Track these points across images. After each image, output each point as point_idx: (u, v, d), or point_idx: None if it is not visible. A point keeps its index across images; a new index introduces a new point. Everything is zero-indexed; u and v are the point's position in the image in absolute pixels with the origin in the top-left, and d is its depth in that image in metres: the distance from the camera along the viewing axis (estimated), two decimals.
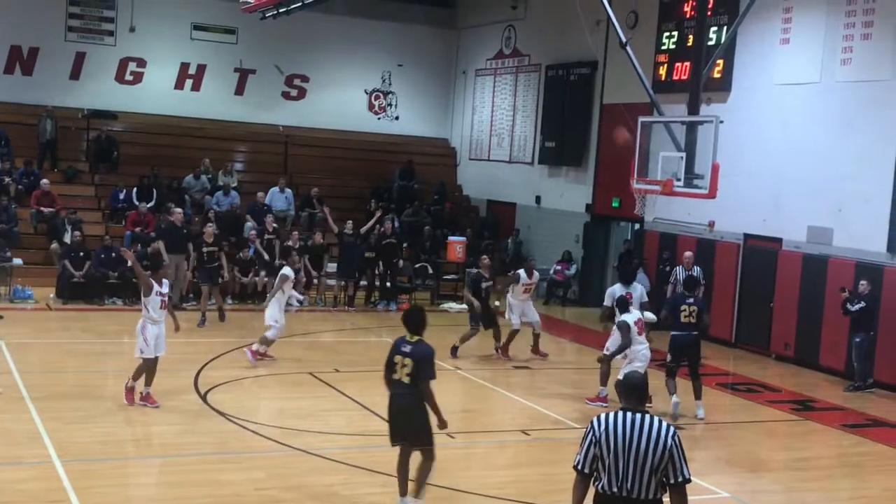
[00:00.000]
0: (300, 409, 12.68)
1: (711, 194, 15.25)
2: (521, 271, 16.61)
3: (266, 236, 20.93)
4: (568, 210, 24.27)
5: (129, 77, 26.44)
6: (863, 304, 15.68)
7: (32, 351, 15.54)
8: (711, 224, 19.74)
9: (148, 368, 12.12)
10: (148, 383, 12.16)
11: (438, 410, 8.72)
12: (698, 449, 12.20)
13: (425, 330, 8.85)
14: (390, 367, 8.79)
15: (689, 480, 6.06)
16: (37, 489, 9.16)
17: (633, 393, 6.17)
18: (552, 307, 22.68)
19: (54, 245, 20.87)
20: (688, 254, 18.32)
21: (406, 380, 8.64)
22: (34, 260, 20.95)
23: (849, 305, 15.76)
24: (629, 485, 5.95)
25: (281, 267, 16.23)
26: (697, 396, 13.59)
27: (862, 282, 15.85)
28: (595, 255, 23.49)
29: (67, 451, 10.18)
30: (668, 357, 13.57)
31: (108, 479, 9.53)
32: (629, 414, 6.05)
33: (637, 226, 22.04)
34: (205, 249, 18.61)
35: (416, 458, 8.86)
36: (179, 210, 19.97)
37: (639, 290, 14.71)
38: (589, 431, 6.07)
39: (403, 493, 8.87)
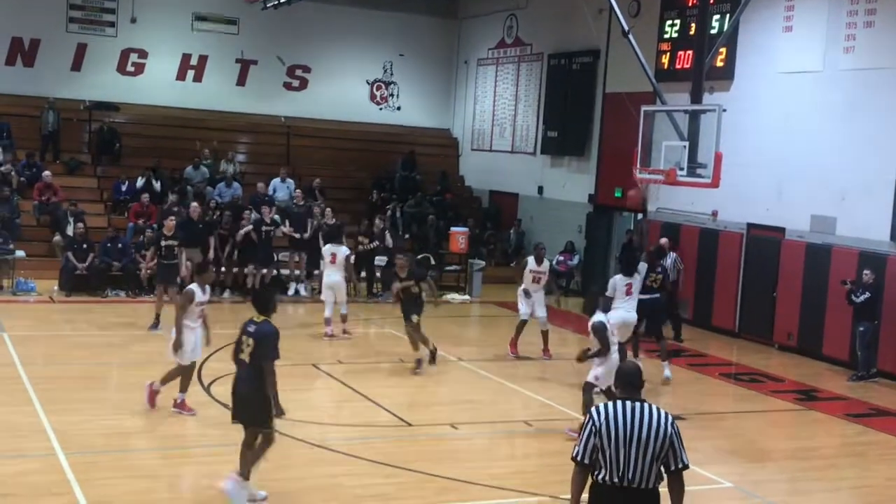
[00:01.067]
0: (303, 401, 12.67)
1: (714, 183, 15.27)
2: (530, 258, 16.28)
3: (264, 228, 20.74)
4: (570, 200, 24.24)
5: (130, 68, 26.41)
6: (868, 294, 15.64)
7: (36, 343, 15.56)
8: (714, 213, 19.72)
9: (183, 374, 11.68)
10: (183, 389, 11.70)
11: (275, 394, 8.68)
12: (701, 439, 12.18)
13: (273, 310, 8.90)
14: (238, 347, 8.81)
15: (687, 467, 6.11)
16: (40, 482, 9.18)
17: (630, 382, 6.18)
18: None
19: (57, 237, 20.88)
20: (663, 240, 18.50)
21: (247, 359, 8.66)
22: (37, 252, 20.95)
23: (853, 297, 15.73)
24: (630, 474, 5.96)
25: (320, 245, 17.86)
26: (663, 358, 14.62)
27: (866, 271, 15.81)
28: (598, 246, 23.46)
29: (71, 444, 10.19)
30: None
31: (112, 472, 9.55)
32: (628, 403, 6.06)
33: (640, 216, 22.01)
34: (163, 243, 16.88)
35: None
36: (196, 204, 19.85)
37: (638, 280, 14.72)
38: (588, 422, 6.07)
39: (244, 475, 8.85)
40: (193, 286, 11.59)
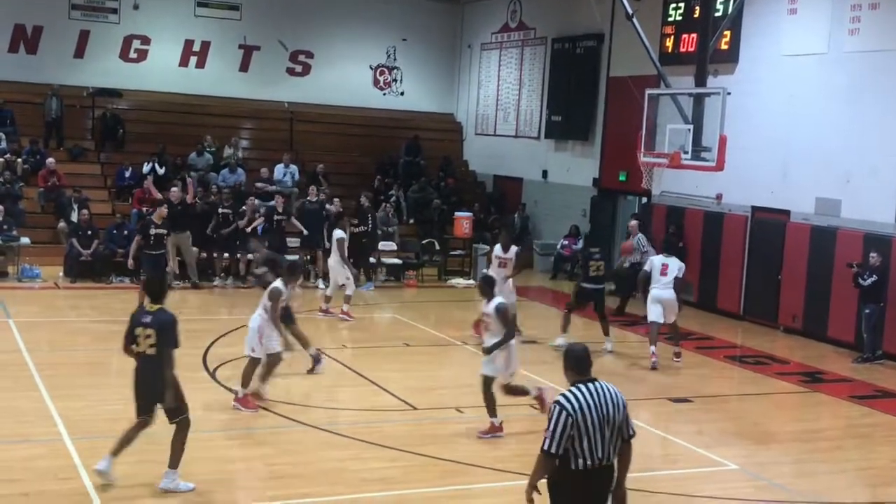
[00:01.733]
0: (308, 385, 12.71)
1: (719, 167, 15.29)
2: (498, 245, 16.07)
3: (276, 217, 20.67)
4: (575, 184, 24.21)
5: (133, 55, 26.37)
6: (875, 277, 15.59)
7: (41, 329, 15.60)
8: (719, 197, 19.67)
9: (252, 368, 11.42)
10: (261, 380, 11.53)
11: (172, 382, 8.56)
12: (706, 421, 12.22)
13: (166, 297, 8.78)
14: (131, 338, 8.64)
15: (635, 434, 6.31)
16: (47, 467, 9.21)
17: (583, 364, 6.28)
18: (559, 281, 22.71)
19: (61, 224, 20.90)
20: (632, 223, 18.96)
21: (150, 351, 8.50)
22: (42, 239, 20.98)
23: (861, 279, 15.69)
24: (604, 453, 6.08)
25: (332, 229, 17.88)
26: (606, 333, 15.56)
27: (872, 254, 15.76)
28: (602, 230, 23.41)
29: (77, 429, 10.22)
30: (573, 300, 15.82)
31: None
32: (590, 385, 6.15)
33: (644, 199, 21.98)
34: (152, 232, 16.31)
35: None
36: (176, 188, 19.70)
37: (676, 262, 14.85)
38: (560, 413, 6.03)
39: (116, 452, 8.76)
40: (279, 284, 11.55)
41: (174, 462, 8.73)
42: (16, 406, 11.11)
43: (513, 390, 11.16)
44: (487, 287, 11.07)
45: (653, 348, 14.55)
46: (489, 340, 10.85)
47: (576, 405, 6.01)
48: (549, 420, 6.07)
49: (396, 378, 13.20)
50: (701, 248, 19.83)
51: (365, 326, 17.20)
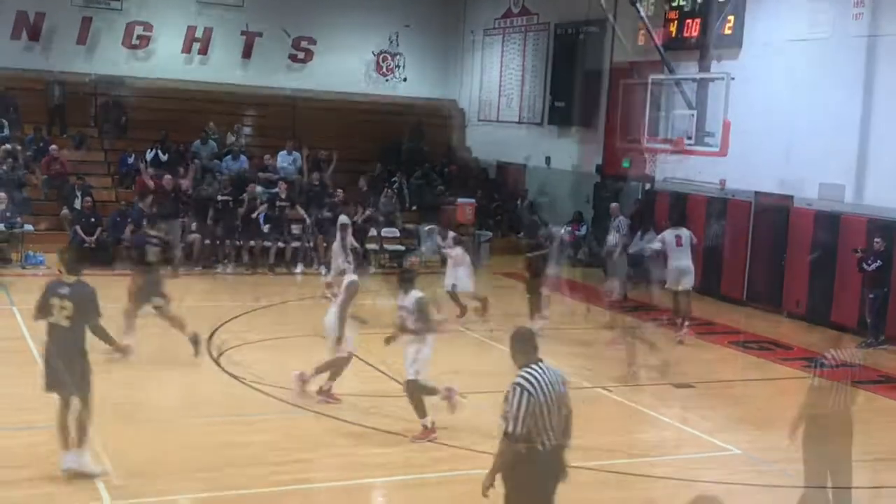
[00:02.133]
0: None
1: (722, 152, 15.32)
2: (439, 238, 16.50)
3: (279, 203, 20.68)
4: (578, 171, 24.16)
5: (135, 42, 26.34)
6: (879, 262, 15.57)
7: None
8: (722, 182, 19.62)
9: (340, 365, 11.48)
10: (333, 378, 11.53)
11: (114, 342, 8.61)
12: (709, 407, 12.23)
13: (83, 269, 8.67)
14: (44, 309, 8.44)
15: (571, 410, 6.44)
16: (50, 453, 9.20)
17: (530, 345, 6.39)
18: (563, 267, 22.64)
19: (65, 211, 20.90)
20: (613, 205, 19.69)
21: (65, 323, 8.32)
22: (45, 226, 20.95)
23: (865, 265, 15.67)
24: (559, 429, 6.23)
25: (337, 215, 17.77)
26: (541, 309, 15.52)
27: (876, 239, 15.75)
28: (606, 215, 23.34)
29: None
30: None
31: (120, 443, 9.58)
32: (539, 365, 6.27)
33: (648, 185, 21.93)
34: (145, 222, 15.83)
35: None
36: (169, 176, 19.64)
37: (686, 233, 15.40)
38: (522, 395, 6.10)
39: (65, 447, 8.63)
40: (356, 277, 11.74)
41: (82, 441, 8.58)
42: (19, 393, 11.10)
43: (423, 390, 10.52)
44: (405, 280, 10.51)
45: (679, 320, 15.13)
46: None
47: (536, 385, 6.13)
48: (510, 403, 6.14)
49: (399, 363, 13.15)
50: (704, 233, 19.78)
51: (367, 312, 17.14)
